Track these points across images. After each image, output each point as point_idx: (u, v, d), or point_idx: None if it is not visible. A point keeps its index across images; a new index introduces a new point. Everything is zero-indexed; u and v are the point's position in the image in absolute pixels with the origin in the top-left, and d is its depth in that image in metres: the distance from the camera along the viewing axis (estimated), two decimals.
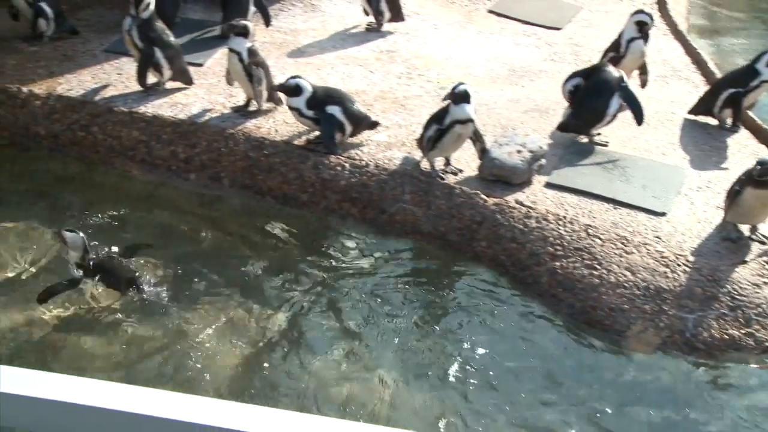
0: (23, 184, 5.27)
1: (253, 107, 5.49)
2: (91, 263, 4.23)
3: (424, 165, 5.03)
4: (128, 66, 5.92)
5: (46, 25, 6.21)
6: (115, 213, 5.03)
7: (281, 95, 5.28)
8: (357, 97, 5.71)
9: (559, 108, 5.81)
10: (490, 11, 7.63)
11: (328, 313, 4.35)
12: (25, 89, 5.61)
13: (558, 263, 4.52)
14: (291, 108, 5.14)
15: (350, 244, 4.92)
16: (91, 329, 4.09)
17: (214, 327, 4.14)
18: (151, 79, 5.69)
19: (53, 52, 6.07)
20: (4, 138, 5.56)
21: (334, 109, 5.08)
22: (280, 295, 4.45)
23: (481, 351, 4.12)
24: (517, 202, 4.82)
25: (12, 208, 5.00)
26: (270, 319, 4.26)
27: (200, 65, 6.09)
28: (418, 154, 5.12)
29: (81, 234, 4.25)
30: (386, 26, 6.95)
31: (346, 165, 5.11)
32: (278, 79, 5.69)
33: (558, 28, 7.36)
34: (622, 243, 4.53)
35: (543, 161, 5.08)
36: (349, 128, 5.17)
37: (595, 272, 4.41)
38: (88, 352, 3.96)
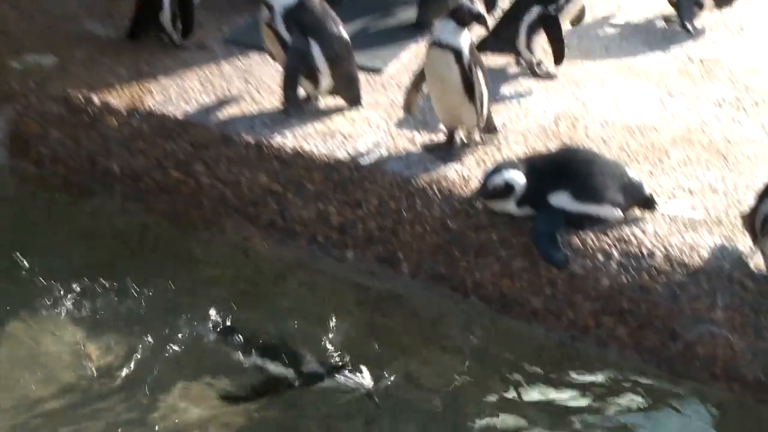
0: (76, 253, 5.54)
1: (459, 142, 5.59)
2: None
3: (757, 261, 4.94)
4: (261, 69, 6.21)
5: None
6: (214, 310, 5.12)
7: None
8: (640, 138, 5.75)
9: None
10: None
11: None
12: (96, 100, 5.92)
13: None
14: (496, 212, 5.30)
15: (610, 389, 4.93)
16: None
17: None
18: (300, 91, 5.93)
19: (144, 39, 6.46)
20: (57, 176, 5.90)
21: (561, 199, 5.11)
22: None
23: None
24: None
25: (53, 291, 5.19)
26: None
27: (377, 71, 6.30)
28: (745, 241, 5.04)
29: None
30: (702, 19, 7.03)
31: (613, 252, 5.09)
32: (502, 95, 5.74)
33: None
34: None
35: None
36: (609, 213, 5.17)
37: None
38: None
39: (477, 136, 5.58)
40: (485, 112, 5.51)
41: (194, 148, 5.74)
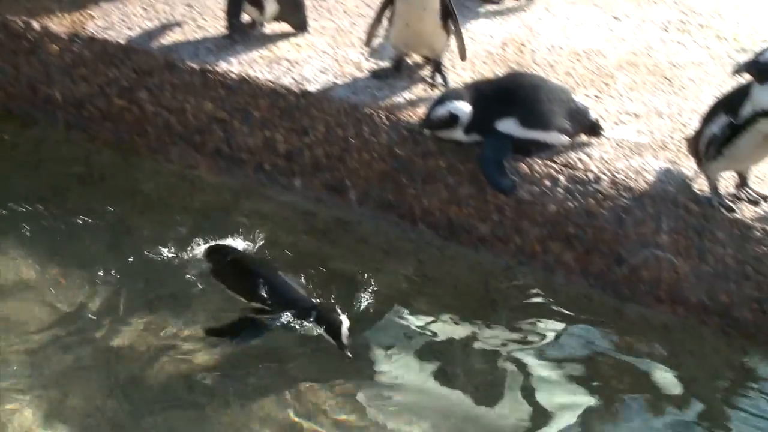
0: (19, 185, 5.48)
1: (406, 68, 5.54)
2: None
3: (701, 185, 4.96)
4: None
5: None
6: (161, 239, 5.11)
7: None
8: (587, 62, 5.84)
9: None
10: None
11: None
12: (36, 25, 5.84)
13: None
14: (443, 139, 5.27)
15: (556, 315, 4.94)
16: None
17: None
18: (244, 17, 5.86)
19: None
20: None
21: (508, 125, 5.09)
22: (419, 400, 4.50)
23: None
24: None
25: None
26: None
27: None
28: (689, 165, 5.05)
29: None
30: None
31: (560, 178, 5.11)
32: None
33: None
34: None
35: None
36: (556, 139, 5.15)
37: None
38: None
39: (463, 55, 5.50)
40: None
41: (138, 75, 5.69)
